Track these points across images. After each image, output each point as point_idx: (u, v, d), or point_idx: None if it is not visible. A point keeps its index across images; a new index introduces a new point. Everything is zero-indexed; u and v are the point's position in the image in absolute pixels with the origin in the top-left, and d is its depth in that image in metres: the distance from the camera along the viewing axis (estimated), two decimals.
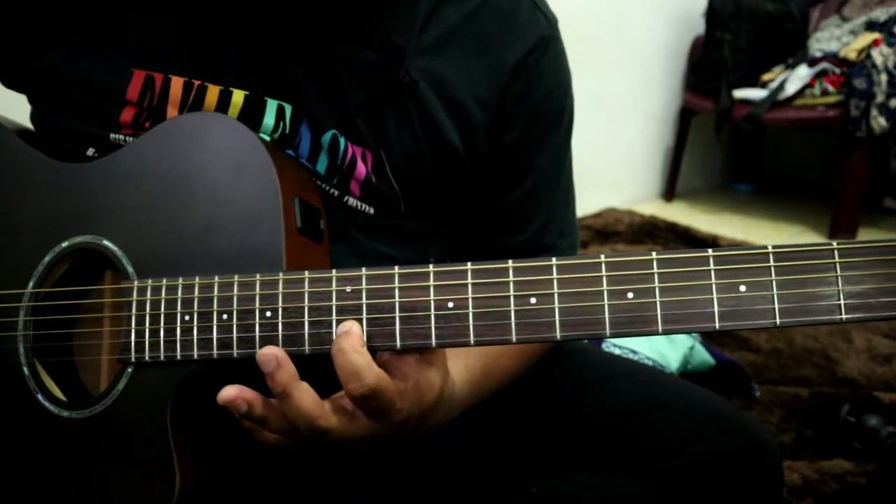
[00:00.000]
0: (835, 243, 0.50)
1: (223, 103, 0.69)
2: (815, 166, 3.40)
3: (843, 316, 0.50)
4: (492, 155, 0.75)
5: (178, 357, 0.60)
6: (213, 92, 0.68)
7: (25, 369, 0.66)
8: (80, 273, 0.68)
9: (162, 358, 0.61)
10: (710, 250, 0.52)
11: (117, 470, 0.63)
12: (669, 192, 3.36)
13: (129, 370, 0.62)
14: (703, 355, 1.61)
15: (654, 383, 0.82)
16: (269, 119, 0.69)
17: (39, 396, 0.65)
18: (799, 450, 1.43)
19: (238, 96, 0.69)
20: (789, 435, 1.48)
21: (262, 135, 0.68)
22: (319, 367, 0.57)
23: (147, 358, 0.61)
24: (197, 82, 0.68)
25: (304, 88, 0.69)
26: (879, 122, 2.56)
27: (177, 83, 0.68)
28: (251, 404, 0.56)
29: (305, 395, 0.56)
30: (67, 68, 0.69)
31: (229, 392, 0.56)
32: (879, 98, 2.55)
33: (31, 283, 0.66)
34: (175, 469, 0.61)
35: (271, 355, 0.55)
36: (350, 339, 0.55)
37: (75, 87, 0.69)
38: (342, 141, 0.70)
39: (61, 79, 0.70)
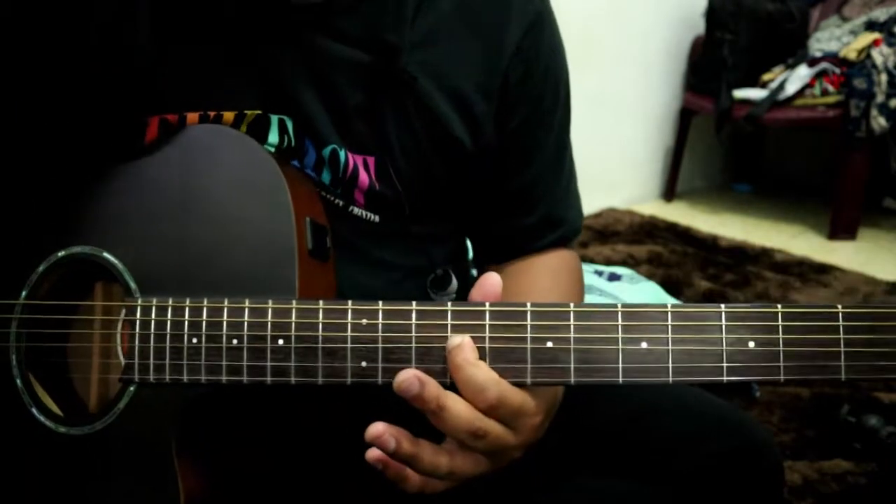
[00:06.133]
0: (840, 306, 0.53)
1: (238, 126, 0.68)
2: (815, 166, 3.40)
3: (843, 377, 0.52)
4: (498, 142, 0.75)
5: (185, 380, 0.59)
6: (229, 118, 0.68)
7: (18, 381, 0.64)
8: (70, 284, 0.66)
9: (167, 380, 0.59)
10: (722, 306, 0.54)
11: (117, 489, 0.61)
12: (669, 192, 3.36)
13: (132, 389, 0.61)
14: None
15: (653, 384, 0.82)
16: (273, 137, 0.69)
17: (34, 410, 0.63)
18: (799, 450, 1.43)
19: (251, 116, 0.68)
20: (789, 435, 1.48)
21: (266, 147, 0.68)
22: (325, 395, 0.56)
23: (151, 379, 0.60)
24: (213, 113, 0.68)
25: (304, 99, 0.69)
26: (879, 122, 2.56)
27: (192, 119, 0.67)
28: (399, 440, 0.54)
29: (458, 400, 0.54)
30: (78, 131, 0.67)
31: (377, 428, 0.53)
32: (879, 98, 2.55)
33: (24, 293, 0.64)
34: (179, 490, 0.59)
35: (412, 377, 0.53)
36: (463, 352, 0.54)
37: (92, 145, 0.68)
38: (342, 154, 0.70)
39: (75, 140, 0.68)
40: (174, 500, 0.60)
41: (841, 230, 2.78)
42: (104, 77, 0.66)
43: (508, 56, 0.73)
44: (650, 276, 2.18)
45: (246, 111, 0.68)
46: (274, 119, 0.69)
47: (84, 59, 0.66)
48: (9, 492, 0.65)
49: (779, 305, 0.53)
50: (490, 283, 0.57)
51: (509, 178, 0.78)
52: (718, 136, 3.05)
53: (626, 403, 0.78)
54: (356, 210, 0.72)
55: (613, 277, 1.92)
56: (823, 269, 2.41)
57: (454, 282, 0.78)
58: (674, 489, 0.72)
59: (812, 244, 2.75)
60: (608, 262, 2.33)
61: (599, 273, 1.94)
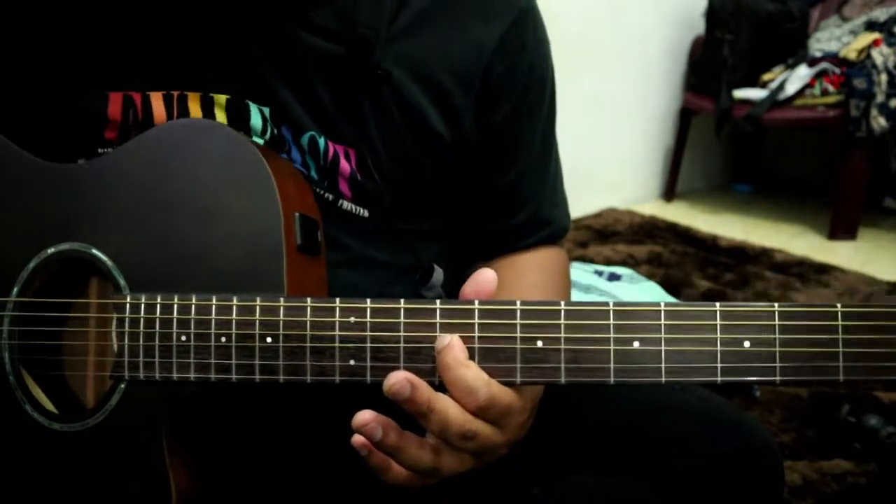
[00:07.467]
0: (839, 305, 0.51)
1: (208, 109, 0.68)
2: (815, 166, 3.40)
3: (841, 378, 0.51)
4: (481, 137, 0.75)
5: (175, 378, 0.58)
6: (194, 100, 0.68)
7: (12, 378, 0.64)
8: (62, 281, 0.65)
9: (157, 377, 0.59)
10: (717, 304, 0.52)
11: (110, 486, 0.61)
12: (669, 192, 3.36)
13: (123, 386, 0.60)
14: None
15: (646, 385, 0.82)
16: (256, 120, 0.69)
17: (28, 407, 0.63)
18: (799, 450, 1.43)
19: (220, 100, 0.68)
20: (789, 435, 1.48)
21: (253, 138, 0.67)
22: (312, 394, 0.56)
23: (141, 377, 0.59)
24: (176, 93, 0.67)
25: (280, 91, 0.68)
26: (879, 122, 2.56)
27: (156, 98, 0.67)
28: (386, 430, 0.53)
29: (448, 402, 0.53)
30: (42, 100, 0.68)
31: (364, 416, 0.53)
32: (879, 98, 2.55)
33: (15, 290, 0.64)
34: (171, 487, 0.59)
35: (403, 380, 0.52)
36: (453, 352, 0.53)
37: (54, 116, 0.68)
38: (321, 140, 0.70)
39: (39, 109, 0.68)
40: (166, 497, 0.60)
41: (841, 230, 2.78)
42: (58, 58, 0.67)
43: (491, 48, 0.73)
44: (650, 276, 2.18)
45: (212, 94, 0.68)
46: (254, 107, 0.69)
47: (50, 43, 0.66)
48: (3, 489, 0.65)
49: (775, 304, 0.51)
50: (484, 278, 0.56)
51: (496, 175, 0.78)
52: (718, 136, 3.05)
53: (625, 403, 0.78)
54: (345, 204, 0.72)
55: (613, 277, 1.92)
56: (823, 269, 2.41)
57: (436, 273, 0.78)
58: (673, 489, 0.72)
59: (812, 244, 2.75)
60: (608, 262, 2.33)
61: (599, 273, 1.93)
